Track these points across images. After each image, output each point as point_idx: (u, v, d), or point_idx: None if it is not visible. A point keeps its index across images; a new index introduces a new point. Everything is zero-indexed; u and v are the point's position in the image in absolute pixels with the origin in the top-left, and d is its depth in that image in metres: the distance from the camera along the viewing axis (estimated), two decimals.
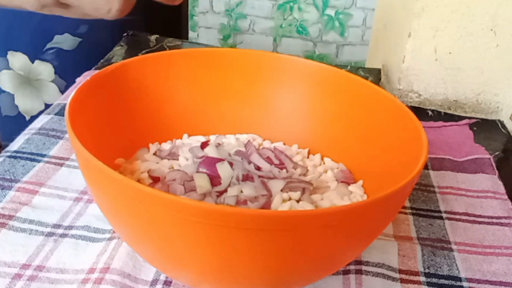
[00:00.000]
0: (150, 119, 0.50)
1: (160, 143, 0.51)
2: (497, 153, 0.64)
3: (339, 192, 0.46)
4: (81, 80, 0.69)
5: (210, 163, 0.45)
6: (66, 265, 0.42)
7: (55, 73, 1.12)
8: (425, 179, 0.57)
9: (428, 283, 0.44)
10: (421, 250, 0.47)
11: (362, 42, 1.39)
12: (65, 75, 1.11)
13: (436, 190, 0.56)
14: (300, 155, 0.51)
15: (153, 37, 0.85)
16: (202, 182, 0.42)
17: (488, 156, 0.62)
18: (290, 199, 0.43)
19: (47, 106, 0.98)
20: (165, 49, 0.80)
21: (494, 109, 0.74)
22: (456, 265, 0.46)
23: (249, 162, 0.46)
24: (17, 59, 1.11)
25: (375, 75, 0.83)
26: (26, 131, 0.58)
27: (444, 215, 0.52)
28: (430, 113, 0.73)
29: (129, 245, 0.41)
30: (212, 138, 0.51)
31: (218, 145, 0.49)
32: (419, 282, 0.44)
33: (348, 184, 0.47)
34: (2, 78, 1.13)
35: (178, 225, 0.32)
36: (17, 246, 0.43)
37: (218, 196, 0.43)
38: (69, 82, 0.75)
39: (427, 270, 0.45)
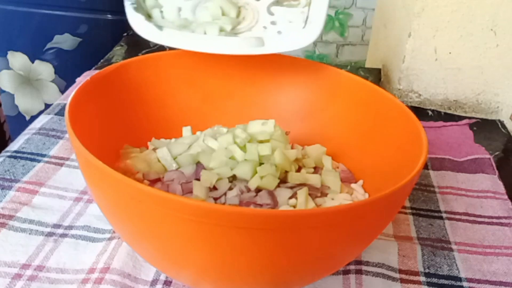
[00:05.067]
0: (150, 119, 0.50)
1: None
2: (497, 153, 0.64)
3: (341, 192, 0.46)
4: (81, 80, 0.70)
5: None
6: (66, 265, 0.42)
7: (55, 73, 1.12)
8: (425, 179, 0.57)
9: (428, 283, 0.44)
10: (421, 250, 0.47)
11: (362, 42, 1.39)
12: (65, 75, 1.12)
13: (436, 190, 0.56)
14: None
15: None
16: (199, 192, 0.42)
17: (488, 156, 0.62)
18: (295, 206, 0.43)
19: (47, 106, 0.98)
20: (165, 49, 0.80)
21: (494, 109, 0.74)
22: (456, 265, 0.46)
23: None
24: (17, 59, 1.11)
25: (375, 75, 0.83)
26: (26, 131, 0.58)
27: (444, 215, 0.52)
28: (430, 113, 0.73)
29: (129, 245, 0.41)
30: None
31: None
32: (419, 282, 0.44)
33: (349, 184, 0.47)
34: (2, 78, 1.13)
35: (177, 224, 0.32)
36: (17, 246, 0.43)
37: (215, 200, 0.42)
38: (69, 82, 0.75)
39: (427, 270, 0.45)
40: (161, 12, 0.49)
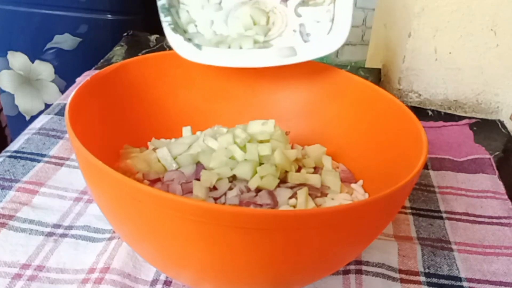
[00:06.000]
0: (150, 119, 0.50)
1: None
2: (497, 153, 0.64)
3: (341, 192, 0.46)
4: (81, 80, 0.70)
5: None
6: (66, 265, 0.42)
7: (55, 73, 1.12)
8: (425, 179, 0.57)
9: (428, 283, 0.44)
10: (421, 250, 0.47)
11: (362, 42, 1.39)
12: (65, 75, 1.12)
13: (436, 190, 0.56)
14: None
15: (153, 37, 0.85)
16: (199, 192, 0.42)
17: (488, 156, 0.62)
18: (295, 206, 0.43)
19: (47, 106, 0.98)
20: (165, 49, 0.80)
21: (494, 109, 0.74)
22: (456, 265, 0.46)
23: None
24: (17, 59, 1.11)
25: (375, 75, 0.83)
26: (26, 131, 0.58)
27: (444, 215, 0.52)
28: (430, 113, 0.73)
29: (129, 245, 0.41)
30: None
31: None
32: (419, 282, 0.44)
33: (349, 184, 0.47)
34: (2, 78, 1.13)
35: (177, 224, 0.32)
36: (17, 246, 0.43)
37: (215, 200, 0.42)
38: (69, 82, 0.75)
39: (427, 270, 0.45)
40: (196, 26, 0.50)
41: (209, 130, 0.50)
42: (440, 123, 0.69)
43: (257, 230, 0.31)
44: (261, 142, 0.46)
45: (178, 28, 0.49)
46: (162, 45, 0.83)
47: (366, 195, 0.46)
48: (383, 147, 0.46)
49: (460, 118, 0.72)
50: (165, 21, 0.49)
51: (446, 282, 0.44)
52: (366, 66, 0.98)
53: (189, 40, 0.48)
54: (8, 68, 1.12)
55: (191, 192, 0.42)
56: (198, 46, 0.47)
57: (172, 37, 0.48)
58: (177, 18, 0.50)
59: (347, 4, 0.48)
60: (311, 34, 0.50)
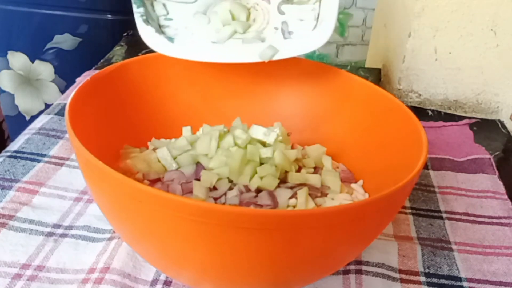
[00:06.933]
0: (150, 119, 0.50)
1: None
2: (497, 153, 0.64)
3: (341, 192, 0.46)
4: (81, 80, 0.70)
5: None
6: (66, 265, 0.42)
7: (55, 73, 1.12)
8: (425, 179, 0.57)
9: (428, 283, 0.44)
10: (421, 250, 0.47)
11: (362, 42, 1.39)
12: (65, 75, 1.12)
13: (436, 190, 0.56)
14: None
15: None
16: (199, 192, 0.42)
17: (488, 156, 0.62)
18: (295, 206, 0.43)
19: (47, 106, 0.98)
20: None
21: (494, 109, 0.74)
22: (456, 265, 0.46)
23: None
24: (17, 59, 1.11)
25: (375, 75, 0.83)
26: (26, 131, 0.58)
27: (444, 215, 0.52)
28: (430, 113, 0.73)
29: (129, 245, 0.41)
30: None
31: None
32: (419, 282, 0.44)
33: (349, 184, 0.47)
34: (2, 78, 1.14)
35: (177, 224, 0.32)
36: (17, 246, 0.43)
37: (215, 200, 0.42)
38: (69, 82, 0.75)
39: (427, 270, 0.45)
40: (171, 20, 0.49)
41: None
42: (440, 123, 0.69)
43: (257, 230, 0.31)
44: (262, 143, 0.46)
45: (152, 21, 0.48)
46: None
47: (366, 195, 0.46)
48: (383, 147, 0.46)
49: (460, 118, 0.72)
50: (137, 12, 0.47)
51: (446, 282, 0.44)
52: (366, 66, 0.98)
53: (162, 32, 0.47)
54: (8, 68, 1.12)
55: (191, 192, 0.42)
56: (170, 39, 0.46)
57: (142, 29, 0.47)
58: (151, 10, 0.49)
59: (333, 3, 0.47)
60: (294, 32, 0.49)
